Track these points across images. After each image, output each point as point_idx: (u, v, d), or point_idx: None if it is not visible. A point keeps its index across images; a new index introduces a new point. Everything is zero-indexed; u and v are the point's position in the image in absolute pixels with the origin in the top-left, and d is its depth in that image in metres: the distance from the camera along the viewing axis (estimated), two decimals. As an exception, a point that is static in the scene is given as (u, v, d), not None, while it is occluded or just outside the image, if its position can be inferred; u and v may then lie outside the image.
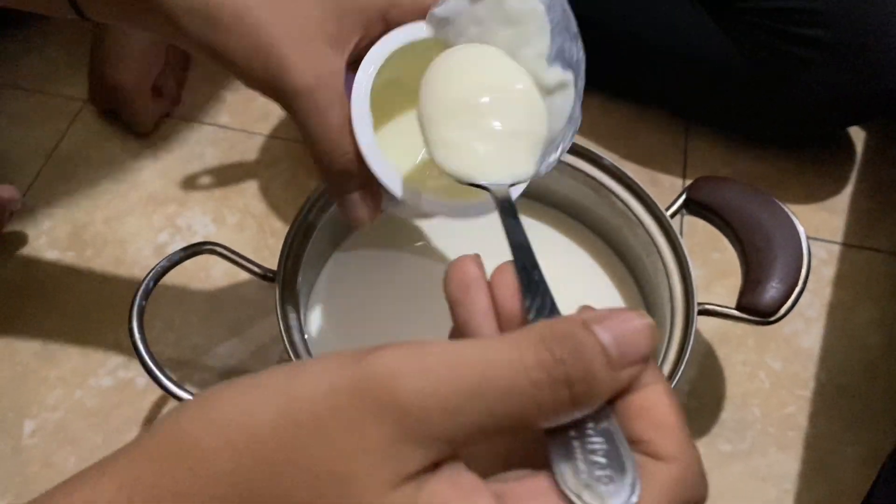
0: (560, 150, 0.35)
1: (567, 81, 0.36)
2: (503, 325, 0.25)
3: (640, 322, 0.21)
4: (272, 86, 0.36)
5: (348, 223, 0.40)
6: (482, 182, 0.34)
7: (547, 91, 0.37)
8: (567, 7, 0.37)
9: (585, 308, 0.24)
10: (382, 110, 0.40)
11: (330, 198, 0.39)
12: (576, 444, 0.20)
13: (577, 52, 0.37)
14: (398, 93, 0.41)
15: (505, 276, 0.25)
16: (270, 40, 0.35)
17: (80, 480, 0.19)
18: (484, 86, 0.35)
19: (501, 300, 0.25)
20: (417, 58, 0.37)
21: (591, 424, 0.20)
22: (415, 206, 0.38)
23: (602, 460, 0.20)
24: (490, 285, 0.25)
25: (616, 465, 0.20)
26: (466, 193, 0.36)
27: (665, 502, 0.20)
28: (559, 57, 0.37)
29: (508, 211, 0.32)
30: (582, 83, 0.37)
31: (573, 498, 0.19)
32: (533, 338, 0.19)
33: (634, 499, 0.20)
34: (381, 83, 0.38)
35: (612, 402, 0.21)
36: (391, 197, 0.38)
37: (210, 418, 0.18)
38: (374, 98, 0.37)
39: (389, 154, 0.38)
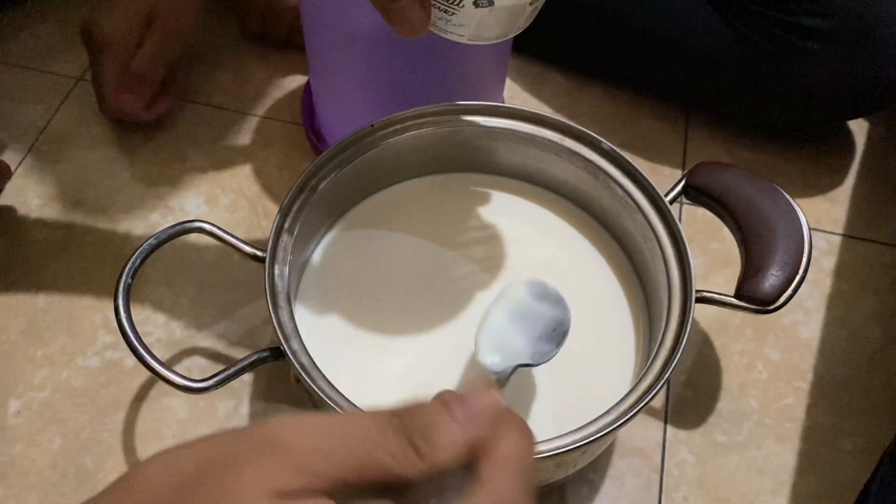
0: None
1: None
2: None
3: (484, 390, 0.26)
4: None
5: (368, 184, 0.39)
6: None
7: None
8: None
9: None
10: None
11: (377, 7, 0.38)
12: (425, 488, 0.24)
13: None
14: None
15: None
16: None
17: None
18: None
19: None
20: None
21: (452, 484, 0.24)
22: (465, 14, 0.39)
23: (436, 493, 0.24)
24: None
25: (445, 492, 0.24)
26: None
27: None
28: None
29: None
30: None
31: None
32: (390, 408, 0.25)
33: None
34: None
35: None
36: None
37: (154, 465, 0.24)
38: None
39: None
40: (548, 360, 0.43)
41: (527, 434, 0.26)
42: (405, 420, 0.25)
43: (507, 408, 0.27)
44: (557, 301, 0.44)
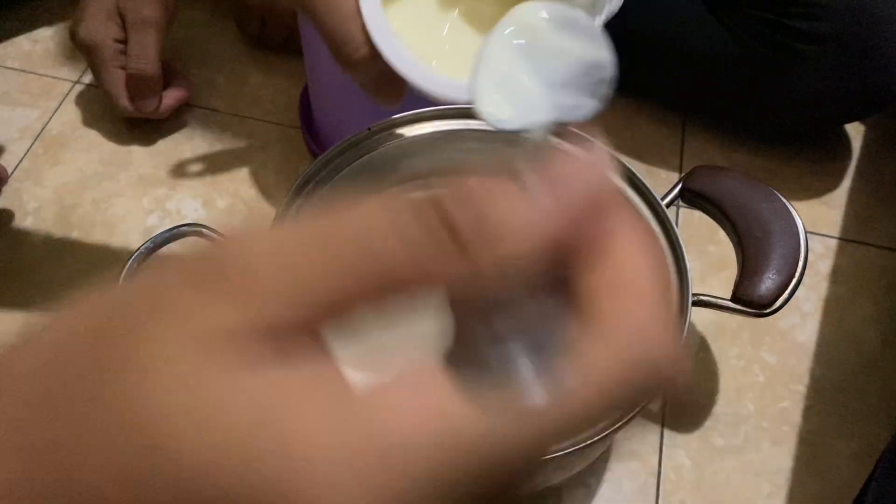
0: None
1: None
2: None
3: (584, 162, 0.15)
4: None
5: (366, 189, 0.38)
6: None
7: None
8: None
9: None
10: None
11: (359, 85, 0.37)
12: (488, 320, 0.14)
13: None
14: None
15: None
16: None
17: None
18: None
19: None
20: None
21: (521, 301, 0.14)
22: (432, 94, 0.35)
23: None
24: None
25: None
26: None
27: (601, 373, 0.14)
28: None
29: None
30: None
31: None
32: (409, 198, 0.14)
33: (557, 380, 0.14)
34: None
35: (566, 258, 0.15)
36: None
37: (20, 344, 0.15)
38: None
39: (409, 33, 0.35)
40: (584, 117, 0.30)
41: (646, 228, 0.17)
42: (439, 199, 0.14)
43: (612, 181, 0.16)
44: (589, 33, 0.31)
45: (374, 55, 0.34)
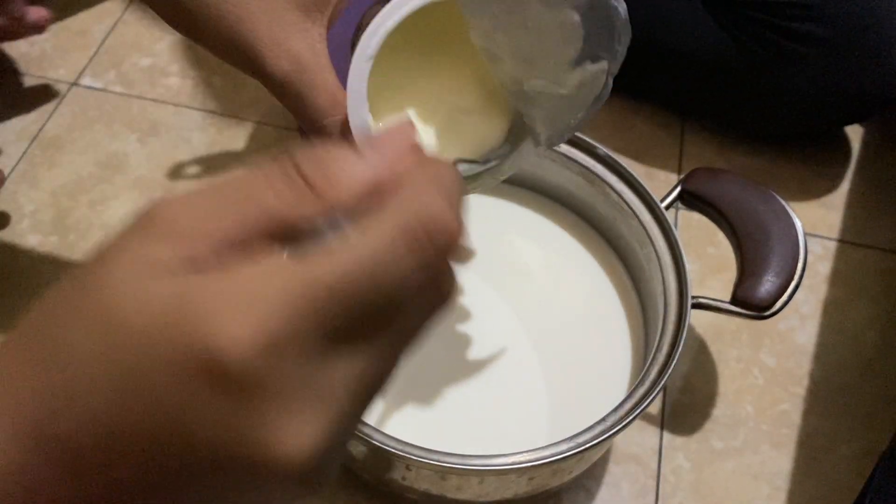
0: (575, 129, 0.35)
1: (595, 73, 0.33)
2: None
3: (400, 127, 0.22)
4: (255, 75, 0.34)
5: None
6: None
7: (563, 96, 0.34)
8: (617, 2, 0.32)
9: None
10: (385, 69, 0.37)
11: None
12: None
13: (620, 39, 0.33)
14: (403, 50, 0.37)
15: None
16: (237, 25, 0.33)
17: None
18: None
19: None
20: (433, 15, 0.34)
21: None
22: None
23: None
24: None
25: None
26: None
27: (386, 236, 0.20)
28: (589, 55, 0.33)
29: None
30: (619, 64, 0.33)
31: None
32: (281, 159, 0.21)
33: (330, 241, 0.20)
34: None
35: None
36: None
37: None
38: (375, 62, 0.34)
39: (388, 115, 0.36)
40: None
41: (451, 167, 0.22)
42: (298, 159, 0.20)
43: (428, 155, 0.22)
44: None
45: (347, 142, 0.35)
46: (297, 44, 0.33)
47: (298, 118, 0.36)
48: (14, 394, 0.19)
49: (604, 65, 0.33)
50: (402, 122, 0.23)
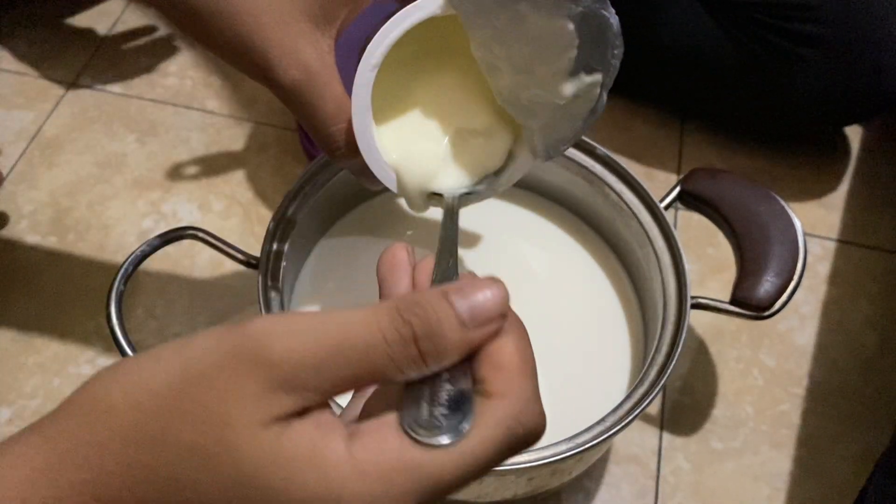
0: (571, 141, 0.37)
1: (590, 85, 0.35)
2: None
3: (493, 288, 0.24)
4: (264, 81, 0.35)
5: (363, 190, 0.42)
6: (436, 190, 0.38)
7: (560, 106, 0.35)
8: (608, 10, 0.33)
9: (466, 275, 0.27)
10: (390, 81, 0.39)
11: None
12: (426, 391, 0.23)
13: (613, 51, 0.34)
14: (410, 63, 0.39)
15: (425, 263, 0.29)
16: (249, 35, 0.34)
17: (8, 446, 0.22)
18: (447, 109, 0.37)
19: (418, 282, 0.29)
20: (428, 28, 0.35)
21: (445, 376, 0.23)
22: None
23: (444, 404, 0.23)
24: (413, 270, 0.29)
25: (455, 407, 0.23)
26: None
27: (495, 436, 0.23)
28: (583, 66, 0.34)
29: (450, 214, 0.36)
30: (612, 77, 0.35)
31: (409, 432, 0.22)
32: (390, 305, 0.23)
33: (462, 431, 0.22)
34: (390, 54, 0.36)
35: (471, 358, 0.24)
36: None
37: (119, 384, 0.22)
38: (379, 73, 0.36)
39: (393, 136, 0.38)
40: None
41: (526, 336, 0.25)
42: (410, 320, 0.22)
43: (509, 306, 0.25)
44: None
45: (354, 152, 0.36)
46: (307, 54, 0.34)
47: (306, 124, 0.36)
48: (107, 490, 0.21)
49: (598, 77, 0.34)
50: (497, 285, 0.24)
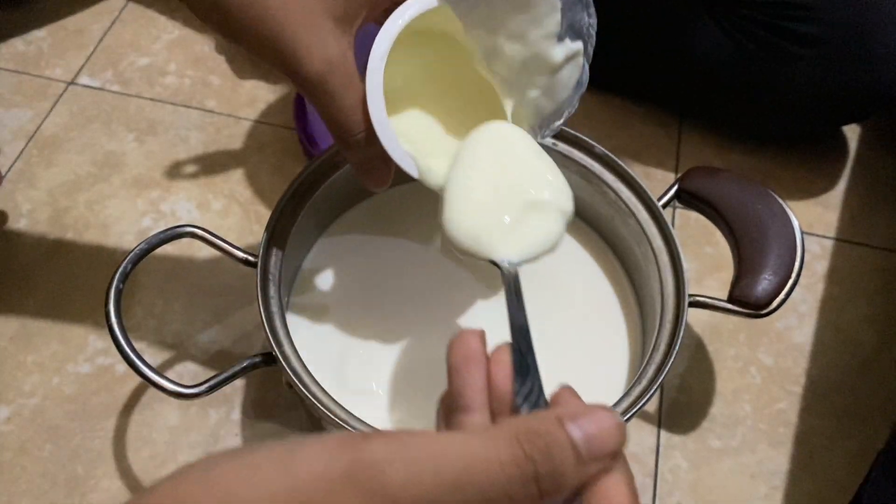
0: (565, 116, 0.40)
1: (576, 51, 0.38)
2: (493, 404, 0.28)
3: (611, 421, 0.23)
4: (287, 73, 0.37)
5: (362, 188, 0.42)
6: (494, 259, 0.38)
7: (554, 68, 0.39)
8: None
9: (565, 391, 0.27)
10: (400, 79, 0.41)
11: (351, 164, 0.42)
12: None
13: (588, 18, 0.38)
14: (418, 57, 0.42)
15: (502, 356, 0.28)
16: (278, 29, 0.36)
17: None
18: (505, 181, 0.38)
19: (495, 380, 0.28)
20: (436, 16, 0.38)
21: None
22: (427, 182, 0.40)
23: None
24: (488, 362, 0.28)
25: None
26: None
27: None
28: (569, 31, 0.38)
29: (514, 290, 0.35)
30: (592, 47, 0.39)
31: None
32: (509, 435, 0.22)
33: None
34: (399, 48, 0.38)
35: (581, 489, 0.23)
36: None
37: (212, 488, 0.20)
38: (390, 69, 0.38)
39: (406, 125, 0.40)
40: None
41: (632, 477, 0.24)
42: (533, 456, 0.22)
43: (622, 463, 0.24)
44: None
45: (370, 140, 0.38)
46: (331, 49, 0.37)
47: (326, 114, 0.38)
48: None
49: (580, 44, 0.39)
50: (613, 415, 0.24)
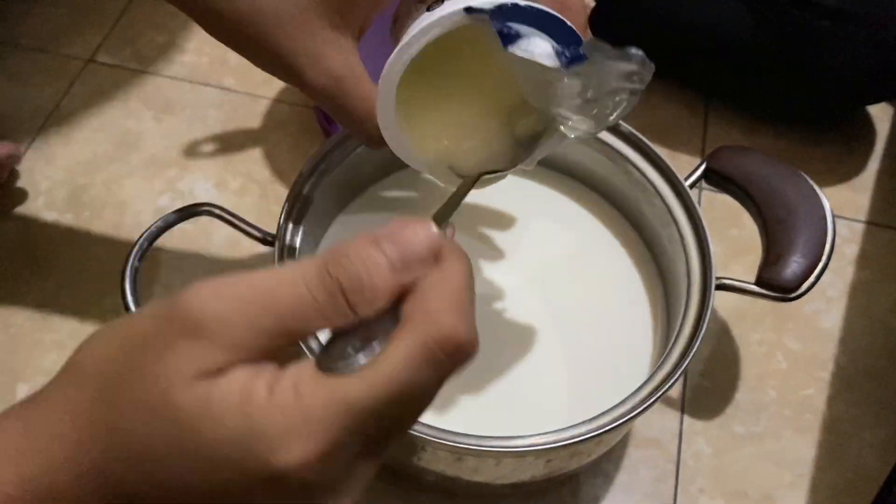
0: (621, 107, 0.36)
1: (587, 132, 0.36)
2: None
3: (423, 230, 0.25)
4: (296, 85, 0.38)
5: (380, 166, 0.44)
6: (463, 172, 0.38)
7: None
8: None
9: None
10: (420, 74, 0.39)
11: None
12: (350, 332, 0.24)
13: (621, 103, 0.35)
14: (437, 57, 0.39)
15: None
16: (276, 46, 0.36)
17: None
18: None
19: None
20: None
21: (371, 317, 0.24)
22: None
23: (361, 339, 0.24)
24: None
25: (372, 339, 0.24)
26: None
27: (410, 354, 0.23)
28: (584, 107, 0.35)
29: (466, 185, 0.37)
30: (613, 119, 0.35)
31: (326, 368, 0.23)
32: (317, 261, 0.24)
33: (372, 354, 0.23)
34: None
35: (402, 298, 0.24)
36: None
37: (91, 349, 0.25)
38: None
39: (422, 127, 0.39)
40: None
41: (459, 266, 0.25)
42: (336, 272, 0.23)
43: (445, 241, 0.25)
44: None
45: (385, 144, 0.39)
46: (332, 60, 0.37)
47: (340, 122, 0.39)
48: (80, 444, 0.23)
49: (592, 125, 0.36)
50: (426, 224, 0.25)
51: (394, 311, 0.24)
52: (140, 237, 0.46)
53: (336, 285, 0.23)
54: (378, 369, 0.23)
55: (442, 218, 0.32)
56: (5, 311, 0.58)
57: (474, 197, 0.54)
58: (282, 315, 0.23)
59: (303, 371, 0.23)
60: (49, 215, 0.62)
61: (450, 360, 0.23)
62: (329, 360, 0.23)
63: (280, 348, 0.23)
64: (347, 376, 0.23)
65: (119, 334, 0.24)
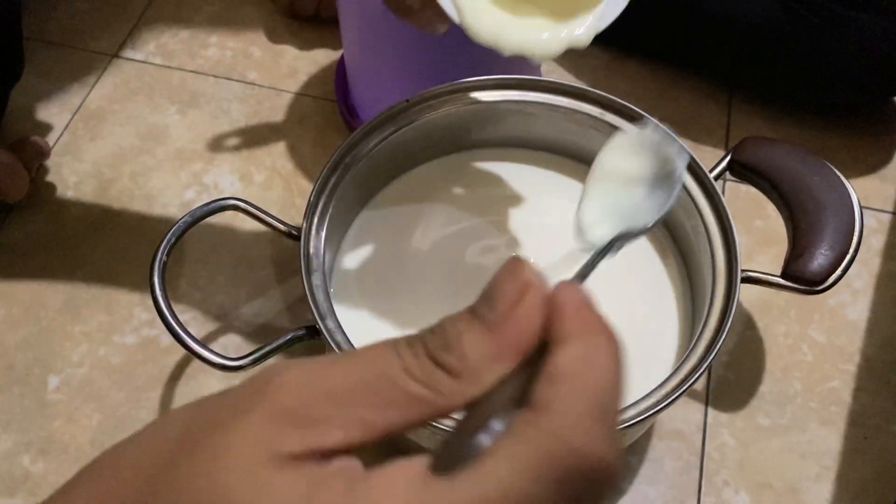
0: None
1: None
2: None
3: (521, 274, 0.20)
4: None
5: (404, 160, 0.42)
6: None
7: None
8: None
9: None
10: None
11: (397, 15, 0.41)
12: (467, 422, 0.19)
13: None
14: None
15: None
16: None
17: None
18: None
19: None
20: None
21: (493, 403, 0.19)
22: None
23: (476, 430, 0.18)
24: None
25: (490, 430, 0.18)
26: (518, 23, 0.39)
27: (526, 457, 0.17)
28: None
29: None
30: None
31: (430, 468, 0.18)
32: (409, 337, 0.20)
33: (479, 450, 0.18)
34: None
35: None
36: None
37: (147, 427, 0.21)
38: None
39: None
40: (662, 216, 0.35)
41: (606, 344, 0.20)
42: (426, 337, 0.20)
43: (584, 301, 0.20)
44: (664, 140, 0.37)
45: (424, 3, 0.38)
46: None
47: None
48: None
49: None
50: (524, 266, 0.20)
51: (519, 390, 0.19)
52: (168, 232, 0.46)
53: (423, 344, 0.20)
54: (484, 478, 0.17)
55: (581, 279, 0.27)
56: (36, 303, 0.59)
57: (495, 187, 0.54)
58: (369, 381, 0.19)
59: (398, 472, 0.18)
60: (78, 209, 0.63)
61: (583, 480, 0.18)
62: (437, 457, 0.18)
63: (373, 433, 0.19)
64: (441, 482, 0.18)
65: (184, 414, 0.20)
